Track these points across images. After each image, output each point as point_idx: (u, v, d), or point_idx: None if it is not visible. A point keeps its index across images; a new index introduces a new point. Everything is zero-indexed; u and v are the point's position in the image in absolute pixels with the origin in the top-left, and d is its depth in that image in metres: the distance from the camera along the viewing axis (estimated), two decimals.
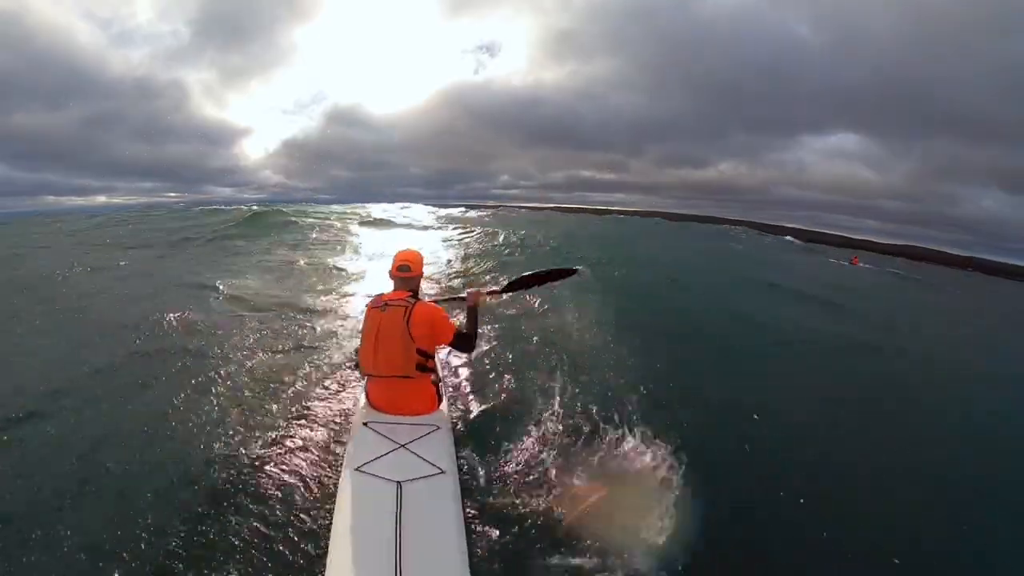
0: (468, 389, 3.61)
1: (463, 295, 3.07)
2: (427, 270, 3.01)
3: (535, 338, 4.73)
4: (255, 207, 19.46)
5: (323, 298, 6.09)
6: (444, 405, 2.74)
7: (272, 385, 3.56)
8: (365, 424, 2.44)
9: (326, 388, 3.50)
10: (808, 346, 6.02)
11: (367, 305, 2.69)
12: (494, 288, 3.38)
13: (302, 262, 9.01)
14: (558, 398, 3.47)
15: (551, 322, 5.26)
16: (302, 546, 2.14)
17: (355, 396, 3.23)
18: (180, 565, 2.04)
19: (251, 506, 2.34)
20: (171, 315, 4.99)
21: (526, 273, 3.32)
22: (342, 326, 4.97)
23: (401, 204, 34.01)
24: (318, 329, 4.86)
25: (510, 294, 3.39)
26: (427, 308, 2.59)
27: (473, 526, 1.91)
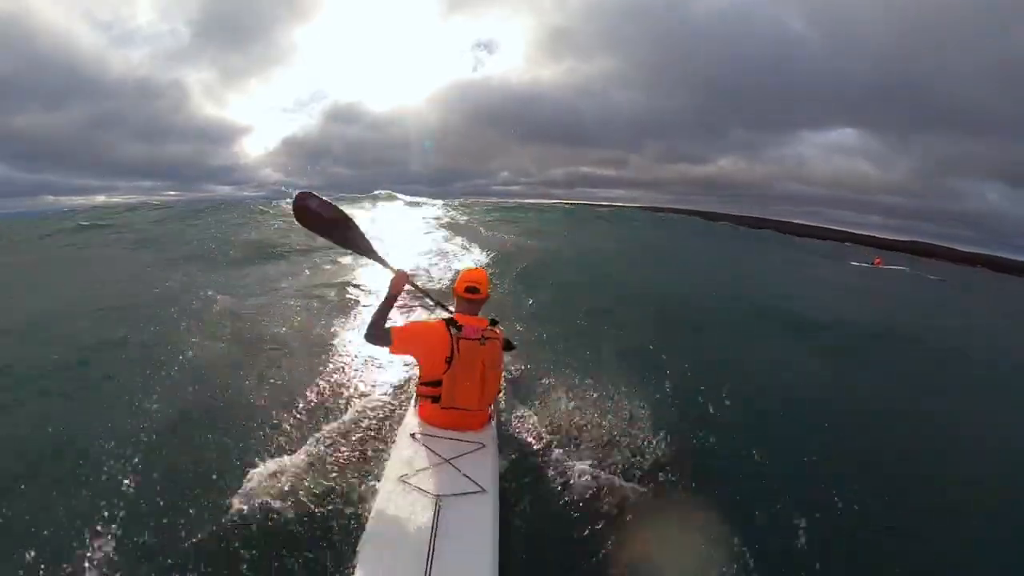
0: (519, 408, 3.50)
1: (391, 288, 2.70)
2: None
3: (589, 361, 4.54)
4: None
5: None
6: (493, 423, 2.70)
7: (320, 391, 3.59)
8: (412, 436, 2.44)
9: (375, 398, 3.49)
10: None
11: (456, 335, 2.46)
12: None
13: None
14: (611, 421, 3.35)
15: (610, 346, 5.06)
16: (332, 550, 2.16)
17: (402, 404, 3.20)
18: (208, 566, 2.08)
19: (286, 506, 2.36)
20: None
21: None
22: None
23: (410, 198, 29.30)
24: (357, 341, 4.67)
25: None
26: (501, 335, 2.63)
27: (508, 548, 1.90)
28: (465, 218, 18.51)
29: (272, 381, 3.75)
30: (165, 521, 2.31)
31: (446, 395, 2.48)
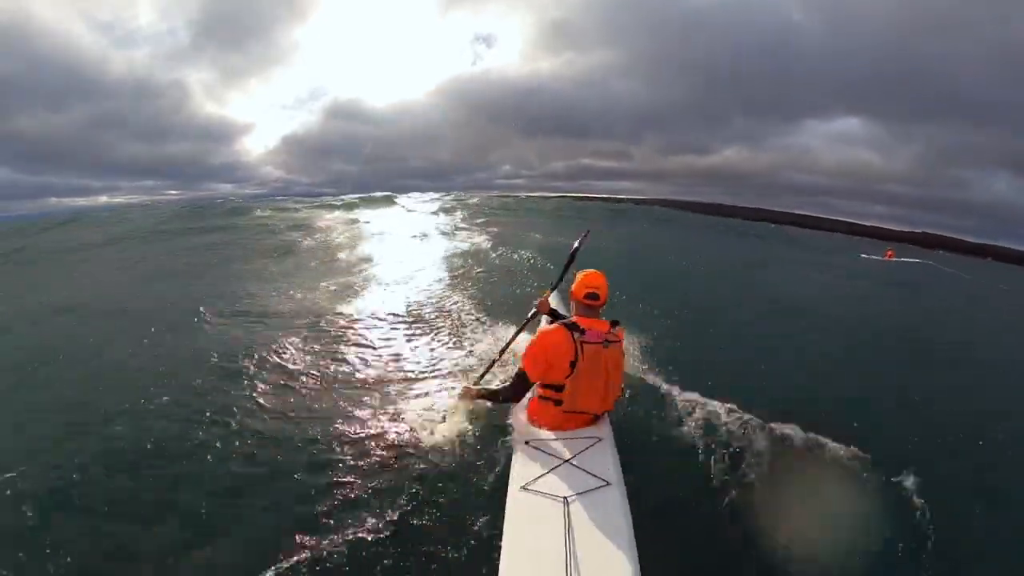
0: (628, 395, 3.44)
1: (532, 310, 3.10)
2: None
3: (697, 345, 4.68)
4: None
5: (456, 313, 5.73)
6: (605, 415, 2.65)
7: (424, 404, 3.48)
8: (527, 443, 2.42)
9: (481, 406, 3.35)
10: None
11: (579, 339, 2.41)
12: (549, 287, 3.35)
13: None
14: (723, 404, 3.32)
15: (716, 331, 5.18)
16: (473, 568, 2.15)
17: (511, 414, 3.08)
18: None
19: (420, 529, 2.37)
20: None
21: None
22: (484, 341, 4.75)
23: (411, 200, 27.61)
24: (466, 343, 4.72)
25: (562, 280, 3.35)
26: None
27: (644, 538, 1.85)
28: (481, 219, 18.06)
29: (361, 401, 3.64)
30: (287, 536, 2.32)
31: (568, 399, 2.47)
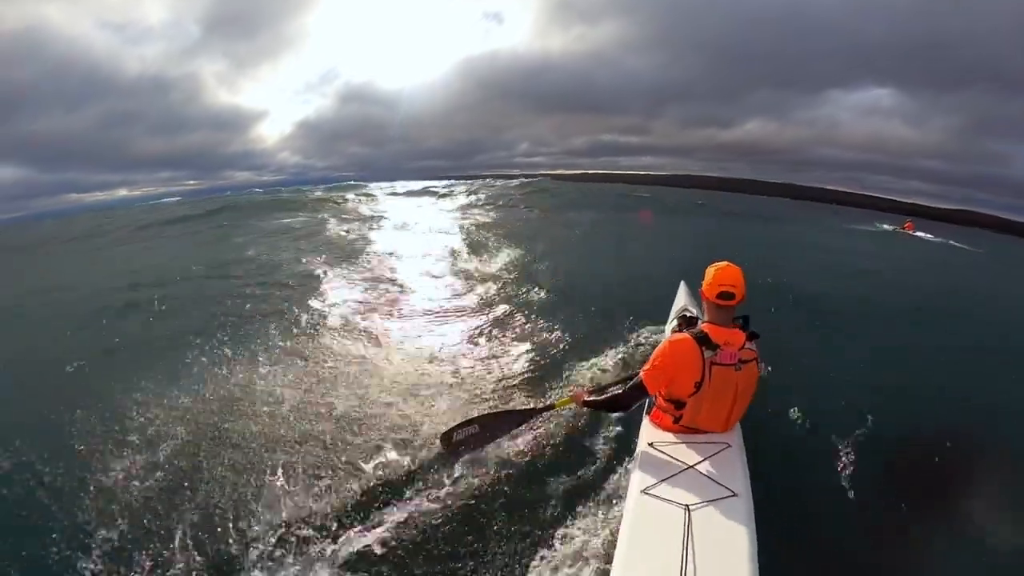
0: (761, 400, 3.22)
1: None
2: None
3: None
4: None
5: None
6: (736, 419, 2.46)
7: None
8: (650, 445, 2.35)
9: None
10: None
11: (709, 358, 2.16)
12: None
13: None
14: (867, 414, 3.08)
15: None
16: (587, 569, 2.12)
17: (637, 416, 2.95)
18: None
19: (537, 527, 2.37)
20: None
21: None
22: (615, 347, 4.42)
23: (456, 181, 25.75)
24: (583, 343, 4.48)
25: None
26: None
27: (769, 554, 1.76)
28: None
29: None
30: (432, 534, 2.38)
31: (688, 417, 2.31)
